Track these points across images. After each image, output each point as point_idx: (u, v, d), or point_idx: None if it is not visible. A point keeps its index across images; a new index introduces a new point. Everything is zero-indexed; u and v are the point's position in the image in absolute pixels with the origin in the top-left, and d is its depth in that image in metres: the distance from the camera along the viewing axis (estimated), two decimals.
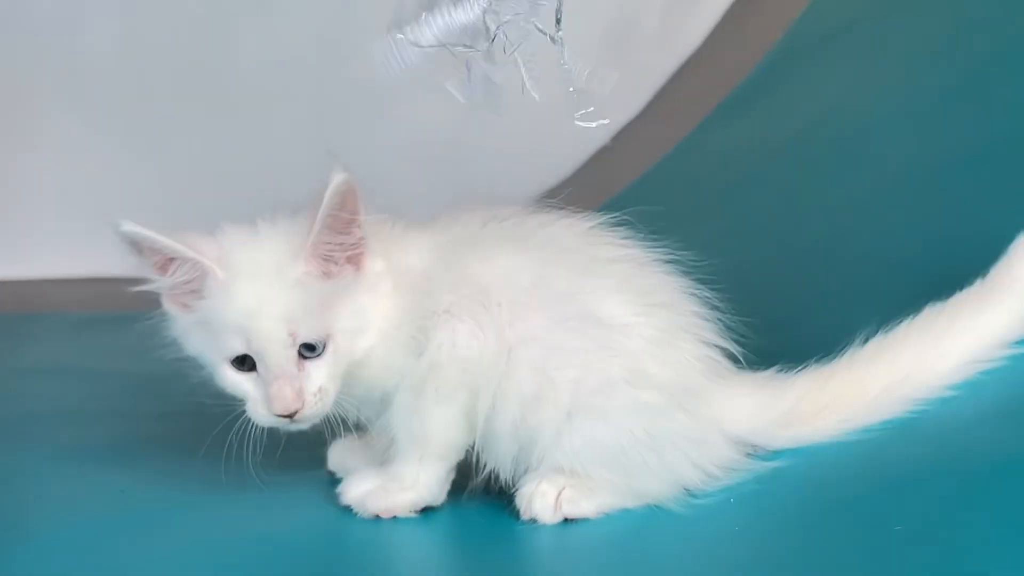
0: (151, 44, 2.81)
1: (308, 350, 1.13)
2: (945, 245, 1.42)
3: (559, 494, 1.13)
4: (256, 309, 1.11)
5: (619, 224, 1.24)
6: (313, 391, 1.13)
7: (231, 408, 1.20)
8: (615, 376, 1.14)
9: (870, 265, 1.53)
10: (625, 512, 1.15)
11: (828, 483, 1.13)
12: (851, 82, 2.01)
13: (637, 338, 1.16)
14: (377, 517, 1.18)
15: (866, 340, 1.21)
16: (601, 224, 1.24)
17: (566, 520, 1.14)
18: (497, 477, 1.19)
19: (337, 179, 1.09)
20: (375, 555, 1.14)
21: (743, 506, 1.13)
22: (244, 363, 1.14)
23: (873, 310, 1.40)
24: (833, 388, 1.20)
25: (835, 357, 1.21)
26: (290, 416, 1.13)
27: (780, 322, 1.52)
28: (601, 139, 2.86)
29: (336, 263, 1.13)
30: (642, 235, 1.25)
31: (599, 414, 1.13)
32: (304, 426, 1.16)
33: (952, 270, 1.33)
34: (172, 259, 1.12)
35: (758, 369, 1.23)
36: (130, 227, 1.10)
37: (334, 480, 1.26)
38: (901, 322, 1.23)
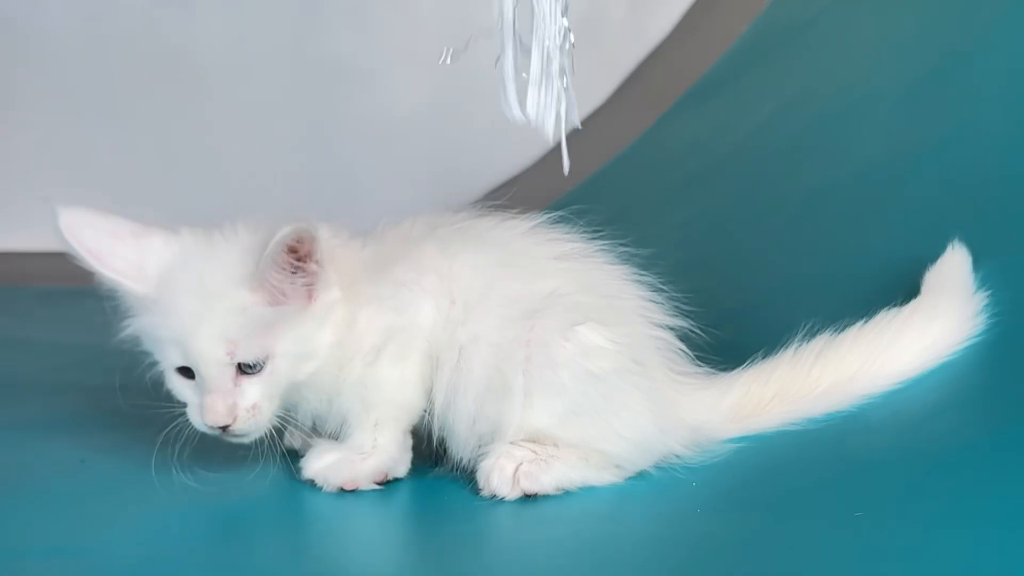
0: (124, 18, 2.79)
1: (248, 367, 1.15)
2: (906, 238, 1.44)
3: (517, 468, 1.14)
4: (193, 328, 1.13)
5: (568, 219, 1.26)
6: (246, 407, 1.15)
7: None
8: (563, 353, 1.15)
9: (830, 257, 1.54)
10: (586, 491, 1.16)
11: (789, 468, 1.15)
12: (815, 75, 2.02)
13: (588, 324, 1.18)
14: (341, 490, 1.19)
15: (809, 335, 1.25)
16: (547, 222, 1.26)
17: (527, 497, 1.14)
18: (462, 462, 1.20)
19: (282, 232, 1.09)
20: (337, 528, 1.14)
21: (705, 487, 1.14)
22: (187, 371, 1.16)
23: (832, 301, 1.43)
24: (777, 383, 1.23)
25: (781, 350, 1.24)
26: (223, 428, 1.15)
27: (739, 312, 1.55)
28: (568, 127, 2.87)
29: (285, 294, 1.14)
30: (592, 228, 1.26)
31: (554, 388, 1.15)
32: (244, 440, 1.17)
33: (913, 262, 1.35)
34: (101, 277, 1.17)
35: (714, 359, 1.26)
36: (65, 236, 1.18)
37: (296, 455, 1.26)
38: (853, 318, 1.26)
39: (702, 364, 1.25)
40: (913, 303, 1.27)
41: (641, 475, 1.18)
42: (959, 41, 1.66)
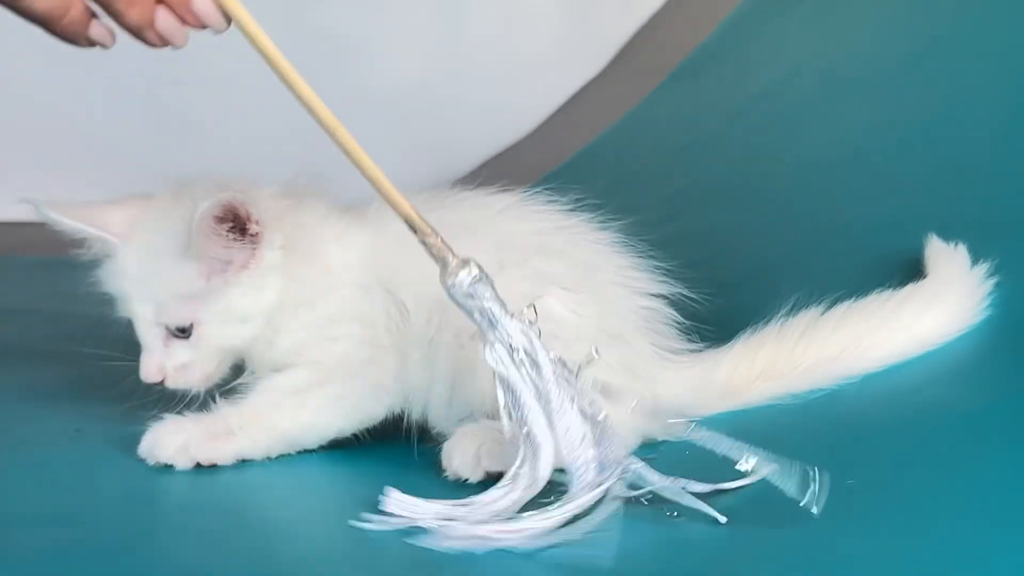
0: None
1: (178, 331, 1.19)
2: (904, 207, 1.45)
3: (479, 448, 1.10)
4: (130, 287, 1.19)
5: (558, 191, 1.25)
6: (174, 366, 1.20)
7: None
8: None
9: (821, 230, 1.54)
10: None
11: (780, 438, 1.14)
12: (810, 46, 2.02)
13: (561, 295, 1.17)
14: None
15: (795, 310, 1.25)
16: (533, 195, 1.25)
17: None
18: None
19: (202, 208, 1.11)
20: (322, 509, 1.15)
21: (698, 458, 1.14)
22: None
23: (822, 274, 1.43)
24: (764, 360, 1.23)
25: (769, 324, 1.25)
26: (160, 382, 1.20)
27: (730, 285, 1.55)
28: (560, 99, 2.88)
29: (230, 261, 1.16)
30: (582, 200, 1.25)
31: None
32: (190, 391, 1.20)
33: (910, 231, 1.36)
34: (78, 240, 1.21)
35: (705, 329, 1.26)
36: (42, 210, 1.21)
37: None
38: (842, 291, 1.26)
39: (692, 335, 1.25)
40: (909, 288, 1.26)
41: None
42: (952, 17, 1.66)
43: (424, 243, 1.02)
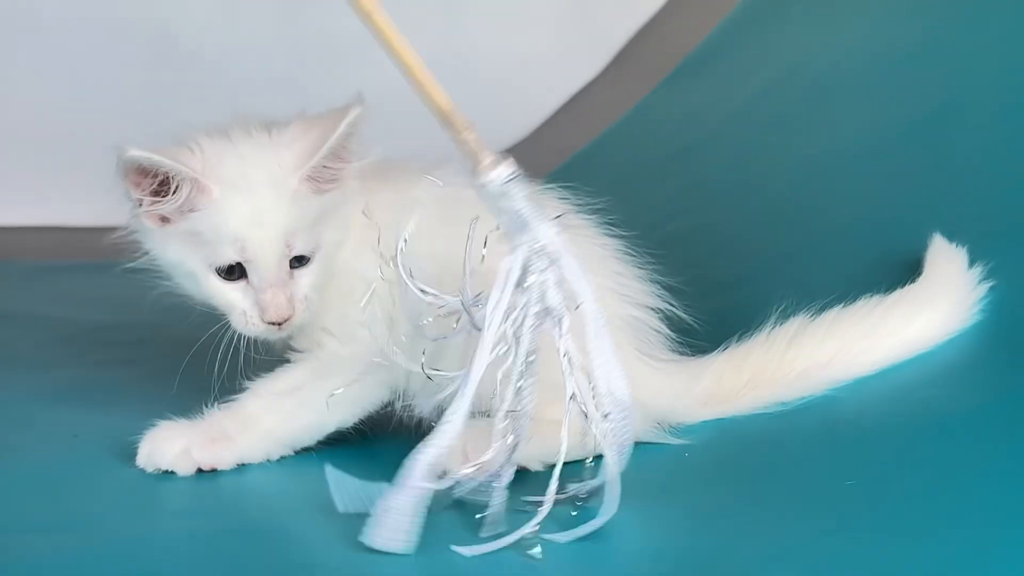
0: None
1: (297, 260, 1.15)
2: (902, 207, 1.44)
3: (464, 447, 1.08)
4: (257, 222, 1.12)
5: (565, 187, 1.25)
6: (301, 298, 1.15)
7: (183, 356, 1.21)
8: None
9: (826, 226, 1.54)
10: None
11: (777, 439, 1.15)
12: (810, 45, 2.02)
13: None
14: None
15: (781, 316, 1.23)
16: (537, 191, 1.22)
17: None
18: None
19: (354, 111, 1.12)
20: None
21: (697, 457, 1.14)
22: (232, 272, 1.14)
23: (823, 272, 1.43)
24: (751, 368, 1.21)
25: (758, 332, 1.23)
26: (279, 324, 1.14)
27: (734, 282, 1.55)
28: (560, 100, 2.87)
29: (323, 181, 1.15)
30: (584, 200, 1.25)
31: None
32: (284, 334, 1.17)
33: (908, 231, 1.35)
34: (166, 182, 1.11)
35: (706, 332, 1.25)
36: (136, 153, 1.09)
37: None
38: (843, 289, 1.25)
39: (687, 339, 1.25)
40: (900, 291, 1.25)
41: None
42: (948, 13, 1.65)
43: (458, 140, 1.00)
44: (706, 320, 1.25)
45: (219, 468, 1.16)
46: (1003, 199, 1.31)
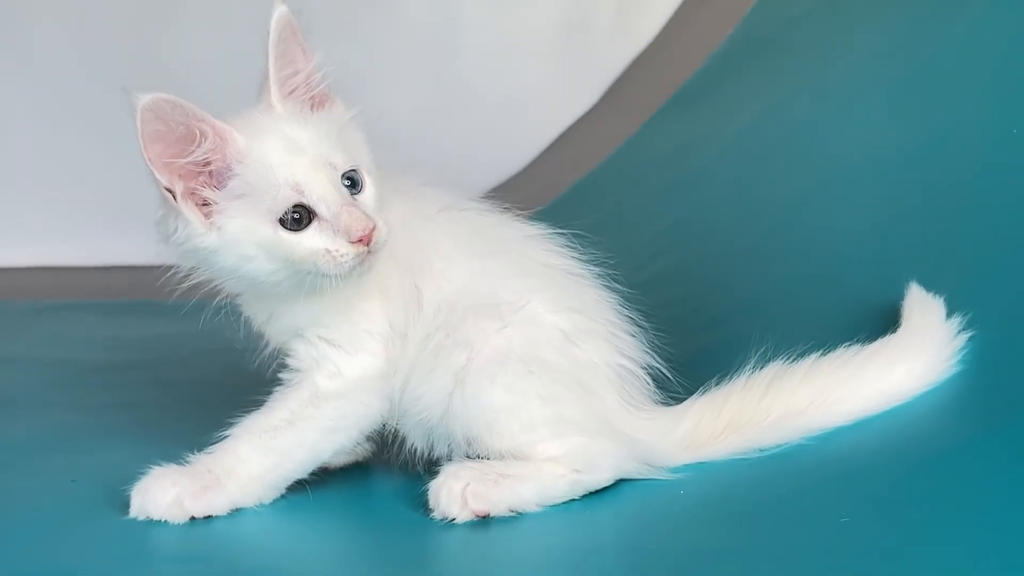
0: (113, 36, 2.78)
1: (350, 184, 1.15)
2: (891, 241, 1.45)
3: (465, 488, 1.12)
4: (294, 150, 1.12)
5: (564, 231, 1.27)
6: (374, 211, 1.14)
7: (182, 398, 1.21)
8: (512, 352, 1.17)
9: (816, 261, 1.55)
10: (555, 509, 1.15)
11: (769, 479, 1.15)
12: (799, 78, 2.03)
13: (545, 325, 1.20)
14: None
15: (761, 360, 1.23)
16: (545, 234, 1.28)
17: (481, 519, 1.13)
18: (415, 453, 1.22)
19: (276, 12, 1.14)
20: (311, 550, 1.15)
21: (693, 496, 1.15)
22: (299, 223, 1.12)
23: (818, 305, 1.44)
24: (729, 413, 1.21)
25: (739, 374, 1.23)
26: (367, 242, 1.11)
27: (723, 319, 1.56)
28: (552, 135, 2.89)
29: (307, 95, 1.17)
30: (584, 242, 1.28)
31: (488, 378, 1.16)
32: (374, 262, 1.14)
33: (897, 265, 1.36)
34: (190, 138, 1.11)
35: (698, 367, 1.26)
36: (152, 96, 1.09)
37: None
38: (833, 325, 1.26)
39: (672, 380, 1.26)
40: (879, 341, 1.23)
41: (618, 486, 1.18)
42: (938, 47, 1.67)
43: None
44: (694, 357, 1.26)
45: (213, 515, 1.16)
46: (985, 248, 1.30)
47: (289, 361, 1.22)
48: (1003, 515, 0.95)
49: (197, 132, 1.11)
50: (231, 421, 1.19)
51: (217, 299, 1.24)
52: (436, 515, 1.13)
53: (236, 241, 1.13)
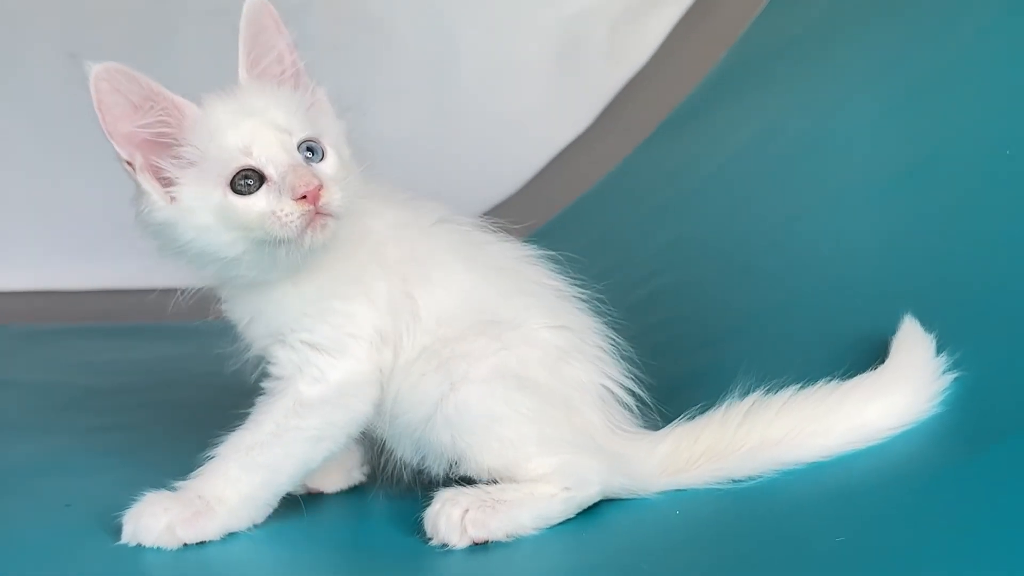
0: (97, 53, 2.78)
1: (309, 152, 1.14)
2: (887, 260, 1.45)
3: (464, 515, 1.11)
4: (245, 112, 1.12)
5: (556, 252, 1.28)
6: (328, 177, 1.12)
7: (176, 421, 1.20)
8: (508, 369, 1.18)
9: (811, 281, 1.55)
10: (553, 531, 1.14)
11: (762, 499, 1.15)
12: (794, 100, 2.04)
13: (539, 344, 1.21)
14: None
15: (746, 388, 1.22)
16: (536, 255, 1.28)
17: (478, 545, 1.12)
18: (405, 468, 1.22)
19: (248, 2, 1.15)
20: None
21: (688, 516, 1.15)
22: (250, 187, 1.10)
23: (812, 325, 1.44)
24: (707, 440, 1.20)
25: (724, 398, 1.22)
26: (313, 200, 1.09)
27: (720, 337, 1.56)
28: (547, 157, 2.90)
29: (278, 76, 1.18)
30: (577, 266, 1.28)
31: (481, 390, 1.16)
32: (327, 231, 1.11)
33: (892, 285, 1.36)
34: (144, 107, 1.12)
35: (692, 385, 1.26)
36: (108, 64, 1.10)
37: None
38: (825, 346, 1.25)
39: (660, 402, 1.26)
40: (860, 377, 1.21)
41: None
42: (933, 67, 1.67)
43: None
44: (689, 377, 1.26)
45: (206, 540, 1.15)
46: (979, 285, 1.29)
47: (271, 369, 1.21)
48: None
49: (149, 102, 1.11)
50: (222, 442, 1.19)
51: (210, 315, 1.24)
52: (435, 542, 1.12)
53: (190, 209, 1.12)
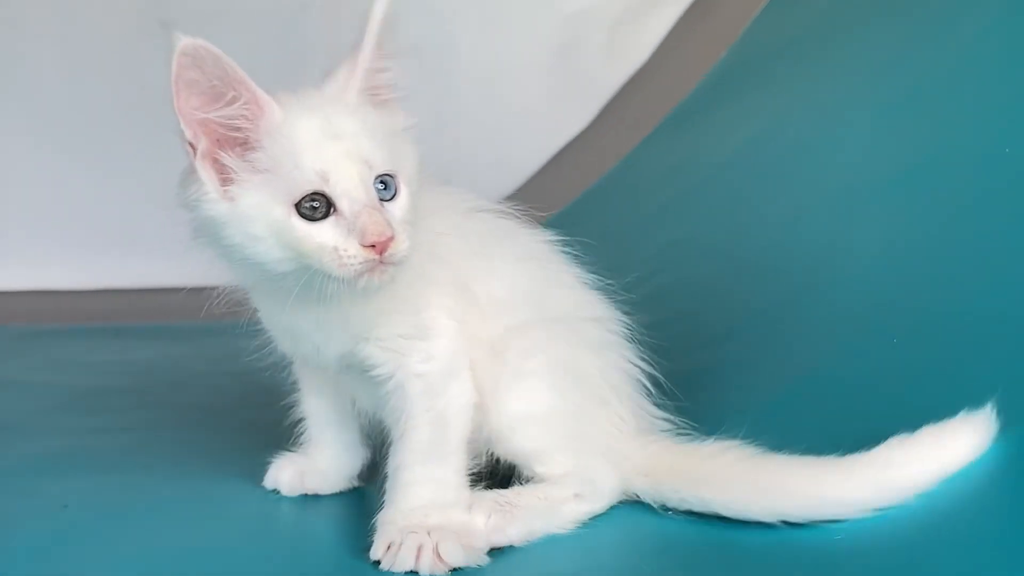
0: (105, 54, 2.79)
1: (383, 187, 1.07)
2: (885, 259, 1.45)
3: (486, 522, 1.11)
4: (331, 134, 1.05)
5: (574, 238, 1.29)
6: (399, 221, 1.05)
7: (174, 422, 1.20)
8: (557, 360, 1.19)
9: (810, 280, 1.55)
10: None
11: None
12: (794, 99, 2.04)
13: (582, 336, 1.22)
14: None
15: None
16: (559, 242, 1.29)
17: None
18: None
19: (381, 1, 1.10)
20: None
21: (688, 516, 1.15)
22: (316, 212, 1.03)
23: (814, 323, 1.43)
24: (694, 459, 1.18)
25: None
26: (380, 251, 1.03)
27: (722, 335, 1.55)
28: (549, 153, 2.90)
29: (377, 92, 1.12)
30: (589, 254, 1.29)
31: (537, 377, 1.18)
32: (386, 276, 1.05)
33: (891, 286, 1.36)
34: (224, 95, 1.04)
35: (695, 383, 1.27)
36: (198, 41, 1.01)
37: (285, 498, 1.29)
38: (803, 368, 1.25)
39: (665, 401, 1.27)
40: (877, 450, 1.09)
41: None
42: (931, 67, 1.67)
43: None
44: (691, 375, 1.26)
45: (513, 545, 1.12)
46: (979, 284, 1.27)
47: (374, 373, 1.16)
48: None
49: (232, 92, 1.04)
50: (224, 445, 1.18)
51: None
52: None
53: (247, 217, 1.04)
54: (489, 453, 1.20)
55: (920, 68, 1.69)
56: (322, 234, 1.03)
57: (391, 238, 1.03)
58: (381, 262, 1.03)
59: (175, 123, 1.04)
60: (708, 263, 1.79)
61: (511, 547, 1.12)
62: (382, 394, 1.16)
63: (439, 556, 1.04)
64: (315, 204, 1.03)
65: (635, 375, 1.25)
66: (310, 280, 1.05)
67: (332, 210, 1.04)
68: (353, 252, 1.03)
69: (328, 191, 1.03)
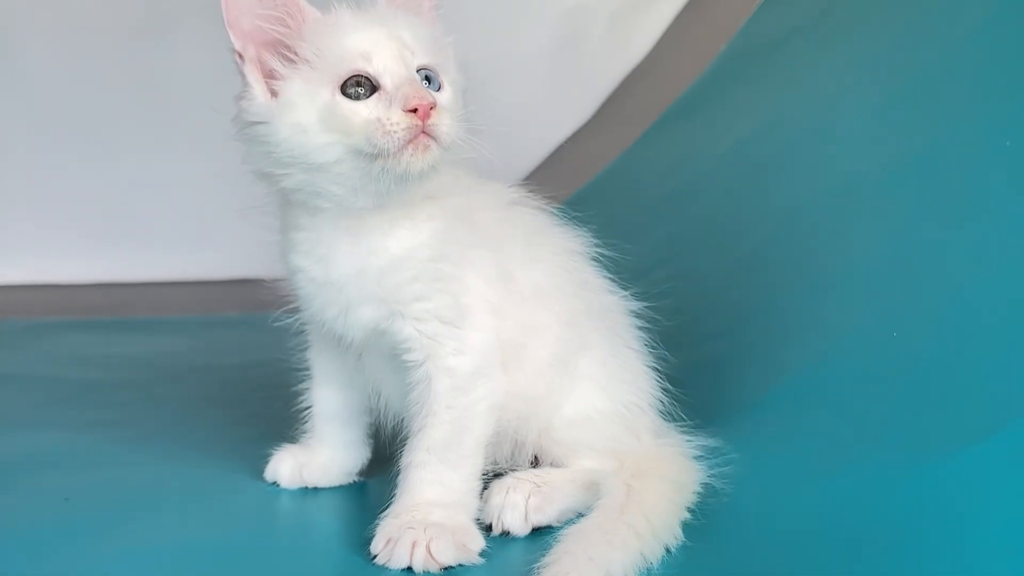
0: (104, 52, 2.78)
1: (427, 82, 1.11)
2: (885, 255, 1.45)
3: (527, 502, 1.14)
4: (375, 21, 1.11)
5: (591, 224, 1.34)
6: (442, 103, 1.09)
7: (176, 416, 1.19)
8: (608, 360, 1.23)
9: (809, 275, 1.55)
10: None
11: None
12: (794, 92, 2.03)
13: (622, 336, 1.27)
14: None
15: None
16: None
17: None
18: None
19: None
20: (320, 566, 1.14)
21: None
22: (360, 91, 1.08)
23: (812, 319, 1.44)
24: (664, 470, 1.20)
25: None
26: (424, 117, 1.05)
27: (716, 332, 1.56)
28: (549, 148, 2.90)
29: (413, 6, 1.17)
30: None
31: (591, 381, 1.22)
32: (432, 152, 1.07)
33: (891, 278, 1.36)
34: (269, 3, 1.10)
35: (692, 378, 1.28)
36: None
37: (285, 491, 1.29)
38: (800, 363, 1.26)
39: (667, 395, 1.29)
40: None
41: None
42: (932, 59, 1.67)
43: None
44: (689, 370, 1.26)
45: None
46: (978, 281, 1.29)
47: (406, 357, 1.16)
48: None
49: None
50: (225, 437, 1.18)
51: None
52: (495, 531, 1.14)
53: (291, 104, 1.08)
54: (533, 456, 1.22)
55: (919, 61, 1.69)
56: (366, 109, 1.07)
57: (433, 105, 1.06)
58: (424, 132, 1.06)
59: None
60: (705, 259, 1.79)
61: (506, 545, 1.12)
62: (408, 383, 1.16)
63: (431, 554, 1.05)
64: (359, 87, 1.08)
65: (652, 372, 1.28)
66: (354, 168, 1.07)
67: (375, 92, 1.08)
68: (396, 119, 1.05)
69: (371, 70, 1.08)
